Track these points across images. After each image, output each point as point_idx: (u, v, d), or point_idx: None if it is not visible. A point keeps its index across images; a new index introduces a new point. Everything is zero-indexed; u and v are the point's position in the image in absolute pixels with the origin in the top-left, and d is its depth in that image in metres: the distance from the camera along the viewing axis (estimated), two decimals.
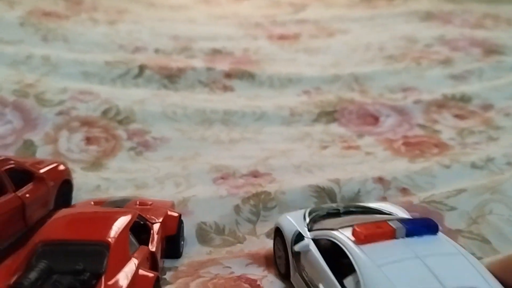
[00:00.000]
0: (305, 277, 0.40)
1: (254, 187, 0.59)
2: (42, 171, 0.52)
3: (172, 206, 0.52)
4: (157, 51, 1.02)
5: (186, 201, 0.56)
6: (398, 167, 0.65)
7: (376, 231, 0.37)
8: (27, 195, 0.47)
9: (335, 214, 0.45)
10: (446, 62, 0.99)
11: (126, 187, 0.59)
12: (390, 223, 0.38)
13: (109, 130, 0.72)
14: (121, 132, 0.72)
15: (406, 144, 0.74)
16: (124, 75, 0.88)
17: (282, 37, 1.19)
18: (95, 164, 0.65)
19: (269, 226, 0.53)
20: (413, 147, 0.73)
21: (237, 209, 0.55)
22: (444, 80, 0.93)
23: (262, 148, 0.72)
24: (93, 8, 1.41)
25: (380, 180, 0.61)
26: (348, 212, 0.44)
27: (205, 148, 0.71)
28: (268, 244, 0.50)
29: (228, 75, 0.94)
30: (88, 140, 0.70)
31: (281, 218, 0.45)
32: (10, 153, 0.66)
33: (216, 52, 1.05)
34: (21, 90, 0.77)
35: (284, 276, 0.45)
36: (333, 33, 1.24)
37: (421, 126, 0.79)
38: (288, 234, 0.42)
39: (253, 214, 0.54)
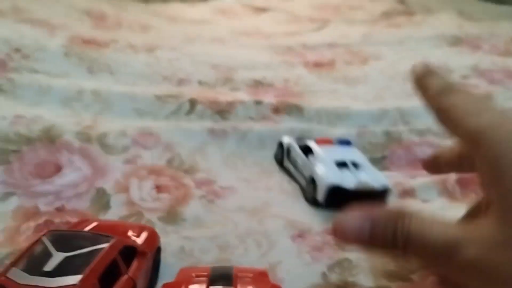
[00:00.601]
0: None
1: (335, 251, 0.60)
2: (140, 241, 0.53)
3: (267, 276, 0.53)
4: (200, 82, 1.03)
5: (273, 268, 0.57)
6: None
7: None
8: (136, 273, 0.49)
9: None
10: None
11: (210, 249, 0.60)
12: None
13: (177, 179, 0.73)
14: (188, 181, 0.74)
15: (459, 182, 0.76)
16: (176, 111, 0.89)
17: (317, 65, 1.21)
18: (171, 213, 0.66)
19: None
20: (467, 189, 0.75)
21: (324, 276, 0.57)
22: None
23: None
24: (118, 24, 1.41)
25: None
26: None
27: (272, 199, 0.72)
28: None
29: (276, 110, 0.95)
30: (159, 188, 0.71)
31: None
32: (85, 202, 0.66)
33: (257, 83, 1.07)
34: (83, 133, 0.78)
35: None
36: (367, 59, 1.26)
37: None
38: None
39: (340, 281, 0.56)
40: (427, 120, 0.94)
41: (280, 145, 0.77)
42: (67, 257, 0.43)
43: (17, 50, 0.96)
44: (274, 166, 0.80)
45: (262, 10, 1.91)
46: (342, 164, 0.66)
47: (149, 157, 0.77)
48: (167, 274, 0.54)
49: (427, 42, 1.34)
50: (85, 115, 0.83)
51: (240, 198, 0.71)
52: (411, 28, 1.53)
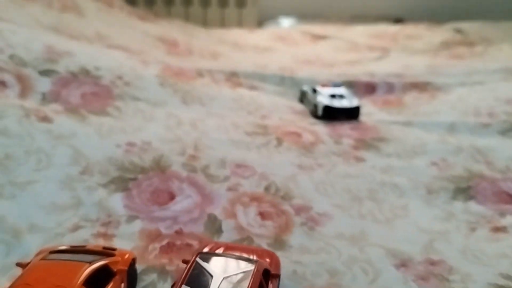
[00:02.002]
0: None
1: (441, 281, 0.67)
2: (270, 266, 0.60)
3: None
4: (281, 119, 1.12)
5: None
6: None
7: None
8: None
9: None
10: None
11: (320, 274, 0.67)
12: None
13: (276, 205, 0.82)
14: (287, 207, 0.82)
15: None
16: (266, 145, 0.98)
17: (386, 102, 1.28)
18: (278, 241, 0.74)
19: None
20: None
21: None
22: None
23: (419, 229, 0.80)
24: (189, 51, 1.53)
25: None
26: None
27: (368, 226, 0.79)
28: None
29: (356, 147, 1.03)
30: (262, 215, 0.79)
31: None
32: (200, 227, 0.75)
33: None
34: (188, 163, 0.87)
35: None
36: (435, 93, 1.33)
37: None
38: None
39: None
40: (504, 157, 1.01)
41: (301, 91, 1.25)
42: (225, 278, 0.52)
43: (119, 77, 1.07)
44: (363, 193, 0.88)
45: (320, 37, 2.00)
46: (333, 96, 1.16)
47: (248, 185, 0.85)
48: None
49: (494, 75, 1.40)
50: (187, 143, 0.92)
51: (337, 225, 0.78)
52: (475, 60, 1.59)
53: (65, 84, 1.01)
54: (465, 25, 1.98)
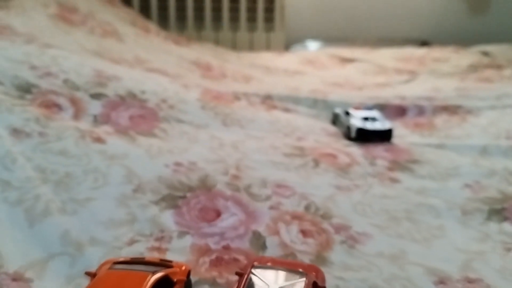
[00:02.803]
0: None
1: None
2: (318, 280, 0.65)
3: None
4: (316, 141, 1.17)
5: None
6: None
7: None
8: None
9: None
10: None
11: None
12: None
13: (316, 224, 0.86)
14: (327, 226, 0.86)
15: None
16: (304, 166, 1.04)
17: (418, 125, 1.32)
18: (320, 258, 0.78)
19: None
20: None
21: None
22: None
23: (456, 249, 0.84)
24: (223, 74, 1.60)
25: None
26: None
27: (406, 246, 0.83)
28: None
29: (390, 168, 1.07)
30: (304, 233, 0.84)
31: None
32: (245, 243, 0.80)
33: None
34: (232, 183, 0.92)
35: None
36: (466, 116, 1.37)
37: None
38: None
39: None
40: None
41: (333, 113, 1.31)
42: None
43: (163, 101, 1.14)
44: (400, 213, 0.92)
45: (347, 60, 2.06)
46: (366, 118, 1.19)
47: (289, 204, 0.90)
48: None
49: None
50: (230, 164, 0.98)
51: (377, 244, 0.83)
52: (504, 83, 1.62)
53: (114, 107, 1.08)
54: (492, 48, 2.02)
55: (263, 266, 0.62)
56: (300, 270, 0.61)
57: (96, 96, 1.10)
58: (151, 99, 1.14)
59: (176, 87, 1.24)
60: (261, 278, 0.58)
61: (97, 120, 1.04)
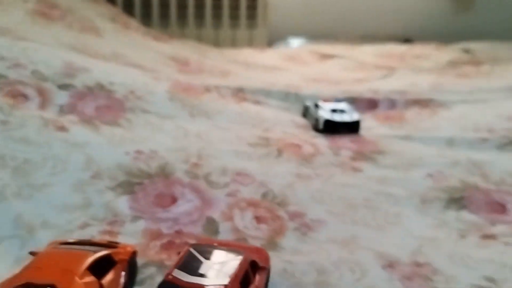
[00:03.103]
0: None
1: (424, 281, 0.71)
2: (258, 260, 0.66)
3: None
4: (284, 132, 1.18)
5: None
6: None
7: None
8: (260, 284, 0.62)
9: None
10: None
11: (309, 272, 0.73)
12: None
13: (272, 211, 0.87)
14: (282, 213, 0.87)
15: None
16: (267, 155, 1.05)
17: (388, 118, 1.34)
18: (271, 243, 0.80)
19: None
20: None
21: None
22: None
23: (409, 235, 0.85)
24: (200, 69, 1.62)
25: None
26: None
27: (360, 232, 0.84)
28: None
29: (354, 158, 1.09)
30: (258, 219, 0.85)
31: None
32: (198, 228, 0.81)
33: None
34: (191, 171, 0.94)
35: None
36: (437, 109, 1.38)
37: None
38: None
39: None
40: (500, 170, 1.05)
41: (304, 106, 1.32)
42: (214, 265, 0.58)
43: (131, 92, 1.16)
44: (358, 201, 0.93)
45: (328, 57, 2.08)
46: (334, 110, 1.22)
47: (247, 192, 0.91)
48: None
49: (497, 93, 1.45)
50: (191, 153, 1.00)
51: (330, 230, 0.84)
52: (480, 78, 1.64)
53: (81, 97, 1.10)
54: (474, 45, 2.04)
55: (203, 245, 0.64)
56: (238, 249, 0.63)
57: (63, 87, 1.12)
58: (119, 91, 1.15)
59: (146, 79, 1.26)
60: (199, 255, 0.60)
61: (63, 110, 1.05)
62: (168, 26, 2.35)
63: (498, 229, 0.88)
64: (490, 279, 0.74)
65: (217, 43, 2.34)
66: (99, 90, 1.15)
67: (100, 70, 1.23)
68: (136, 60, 1.62)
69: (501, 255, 0.80)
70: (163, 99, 1.18)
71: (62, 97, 1.08)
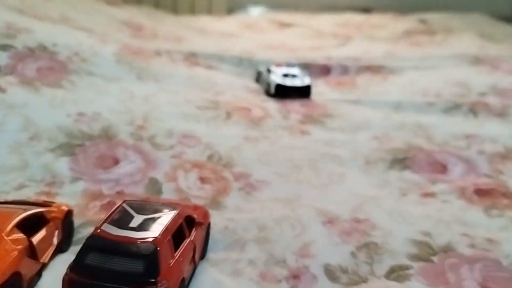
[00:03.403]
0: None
1: (362, 235, 0.73)
2: (196, 216, 0.66)
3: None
4: (234, 96, 1.18)
5: (307, 246, 0.70)
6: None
7: None
8: (196, 239, 0.62)
9: None
10: (502, 114, 1.15)
11: (250, 229, 0.73)
12: None
13: (217, 172, 0.87)
14: (227, 174, 0.87)
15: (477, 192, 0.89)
16: (215, 118, 1.04)
17: (340, 83, 1.35)
18: (214, 202, 0.80)
19: (384, 269, 0.67)
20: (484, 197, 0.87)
21: (353, 255, 0.69)
22: (503, 132, 1.08)
23: (352, 194, 0.87)
24: (154, 35, 1.58)
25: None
26: None
27: (303, 191, 0.86)
28: (388, 284, 0.65)
29: (303, 122, 1.10)
30: (202, 180, 0.85)
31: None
32: (141, 188, 0.80)
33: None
34: (135, 133, 0.92)
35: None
36: (387, 75, 1.40)
37: (488, 176, 0.94)
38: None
39: (368, 258, 0.69)
40: (444, 133, 1.08)
41: (257, 71, 1.32)
42: (145, 219, 0.58)
43: (76, 54, 1.12)
44: (303, 162, 0.94)
45: (286, 25, 2.07)
46: (286, 75, 1.23)
47: (192, 154, 0.91)
48: (214, 247, 0.68)
49: (447, 60, 1.48)
50: (136, 115, 0.98)
51: (274, 190, 0.85)
52: (432, 47, 1.66)
53: (21, 58, 1.06)
54: (430, 16, 2.06)
55: (137, 201, 0.63)
56: (173, 205, 0.62)
57: (3, 47, 1.07)
58: (62, 52, 1.11)
59: (93, 41, 1.22)
60: (131, 210, 0.59)
61: (0, 71, 1.01)
62: None
63: (437, 187, 0.91)
64: (426, 234, 0.76)
65: (175, 10, 2.28)
66: (41, 51, 1.10)
67: (43, 31, 1.19)
68: (86, 24, 1.56)
69: (438, 212, 0.83)
70: (109, 62, 1.15)
71: (1, 58, 1.04)
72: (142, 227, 0.56)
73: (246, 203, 0.81)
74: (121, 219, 0.57)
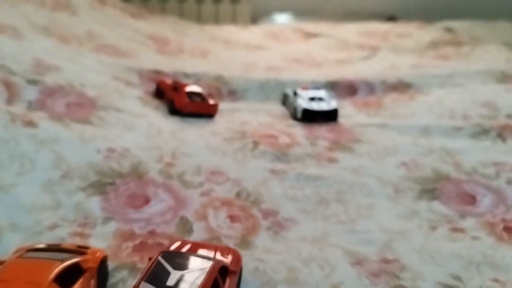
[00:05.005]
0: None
1: (391, 278, 0.74)
2: (229, 261, 0.68)
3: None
4: (260, 123, 1.19)
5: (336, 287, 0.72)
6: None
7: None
8: None
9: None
10: None
11: (279, 270, 0.75)
12: None
13: (245, 210, 0.89)
14: (256, 212, 0.89)
15: (506, 230, 0.88)
16: (242, 149, 1.06)
17: (366, 104, 1.35)
18: (244, 242, 0.81)
19: None
20: None
21: None
22: None
23: (380, 229, 0.87)
24: (180, 49, 1.61)
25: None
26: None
27: (330, 229, 0.86)
28: None
29: (330, 148, 1.10)
30: (232, 218, 0.86)
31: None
32: (172, 227, 0.82)
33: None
34: (164, 170, 0.94)
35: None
36: (414, 95, 1.39)
37: None
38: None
39: None
40: (472, 159, 1.07)
41: (283, 94, 1.31)
42: (182, 275, 0.59)
43: (104, 94, 1.15)
44: (331, 195, 0.94)
45: (312, 35, 2.06)
46: (312, 99, 1.22)
47: (220, 191, 0.92)
48: None
49: (475, 77, 1.45)
50: (165, 151, 1.00)
51: (301, 229, 0.85)
52: (460, 60, 1.64)
53: (51, 93, 1.08)
54: (456, 24, 2.03)
55: (172, 252, 0.65)
56: (210, 255, 0.65)
57: (33, 82, 1.10)
58: (90, 91, 1.14)
59: (117, 84, 1.24)
60: (166, 265, 0.61)
61: (31, 106, 1.04)
62: (148, 1, 2.31)
63: (467, 222, 0.90)
64: (457, 277, 0.76)
65: (199, 19, 2.30)
66: (70, 88, 1.13)
67: (70, 70, 1.21)
68: (113, 41, 1.60)
69: (468, 250, 0.83)
70: (135, 103, 1.17)
71: (31, 93, 1.07)
72: (179, 285, 0.58)
73: (275, 243, 0.82)
74: (158, 276, 0.59)
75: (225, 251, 0.72)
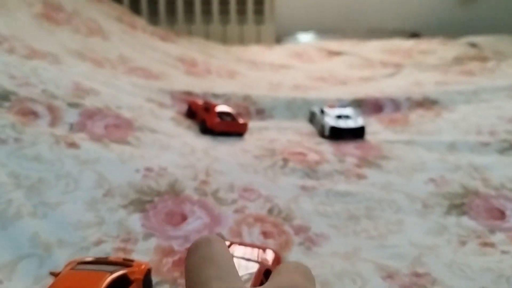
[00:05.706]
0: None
1: None
2: (270, 260, 0.71)
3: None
4: (289, 141, 1.23)
5: None
6: None
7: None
8: None
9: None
10: None
11: None
12: None
13: (278, 226, 0.92)
14: (287, 228, 0.92)
15: None
16: (272, 166, 1.10)
17: (392, 121, 1.38)
18: None
19: None
20: None
21: None
22: None
23: (410, 244, 0.89)
24: (207, 70, 1.66)
25: None
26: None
27: (360, 244, 0.89)
28: None
29: (358, 165, 1.13)
30: (265, 235, 0.90)
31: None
32: None
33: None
34: (200, 188, 0.99)
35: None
36: (440, 111, 1.41)
37: None
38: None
39: None
40: (500, 175, 1.09)
41: (310, 112, 1.35)
42: None
43: (139, 116, 1.21)
44: (360, 211, 0.97)
45: (335, 53, 2.11)
46: (339, 117, 1.25)
47: (253, 208, 0.96)
48: None
49: (501, 93, 1.47)
50: (199, 169, 1.05)
51: (332, 244, 0.89)
52: (485, 76, 1.66)
53: (90, 116, 1.15)
54: (480, 39, 2.05)
55: None
56: (255, 259, 0.69)
57: (74, 105, 1.17)
58: (126, 113, 1.20)
59: (151, 106, 1.30)
60: None
61: (73, 128, 1.10)
62: (175, 22, 2.39)
63: (497, 237, 0.92)
64: None
65: (224, 40, 2.37)
66: (107, 110, 1.20)
67: (106, 93, 1.28)
68: (143, 63, 1.67)
69: (499, 264, 0.84)
70: (169, 124, 1.23)
71: (72, 115, 1.13)
72: None
73: (308, 259, 0.85)
74: None
75: (266, 249, 0.76)
